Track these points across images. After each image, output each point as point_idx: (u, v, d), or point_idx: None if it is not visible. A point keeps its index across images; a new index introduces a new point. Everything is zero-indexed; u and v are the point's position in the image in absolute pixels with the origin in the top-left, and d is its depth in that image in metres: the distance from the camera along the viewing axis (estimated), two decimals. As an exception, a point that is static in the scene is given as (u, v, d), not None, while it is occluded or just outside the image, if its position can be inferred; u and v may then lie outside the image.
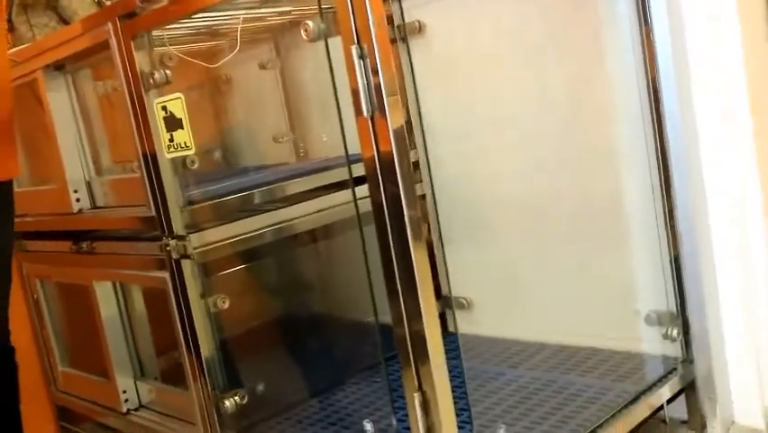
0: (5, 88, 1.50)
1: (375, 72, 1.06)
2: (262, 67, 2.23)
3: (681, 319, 1.61)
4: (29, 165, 2.10)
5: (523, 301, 1.91)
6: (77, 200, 1.87)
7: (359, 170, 1.21)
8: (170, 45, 1.62)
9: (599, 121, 1.66)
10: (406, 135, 1.16)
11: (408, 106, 1.99)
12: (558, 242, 1.80)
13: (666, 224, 1.59)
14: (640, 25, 1.52)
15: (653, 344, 1.66)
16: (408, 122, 2.00)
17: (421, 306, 1.11)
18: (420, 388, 1.14)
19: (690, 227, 1.55)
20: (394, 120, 1.07)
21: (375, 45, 1.05)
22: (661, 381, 1.59)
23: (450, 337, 2.02)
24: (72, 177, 1.87)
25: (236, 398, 1.60)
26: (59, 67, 1.85)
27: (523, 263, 1.88)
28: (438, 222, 2.04)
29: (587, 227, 1.74)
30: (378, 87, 1.06)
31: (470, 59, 1.86)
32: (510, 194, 1.87)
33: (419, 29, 1.93)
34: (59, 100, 1.85)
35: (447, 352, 1.90)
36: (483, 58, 1.84)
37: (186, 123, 1.42)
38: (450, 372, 1.46)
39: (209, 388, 1.59)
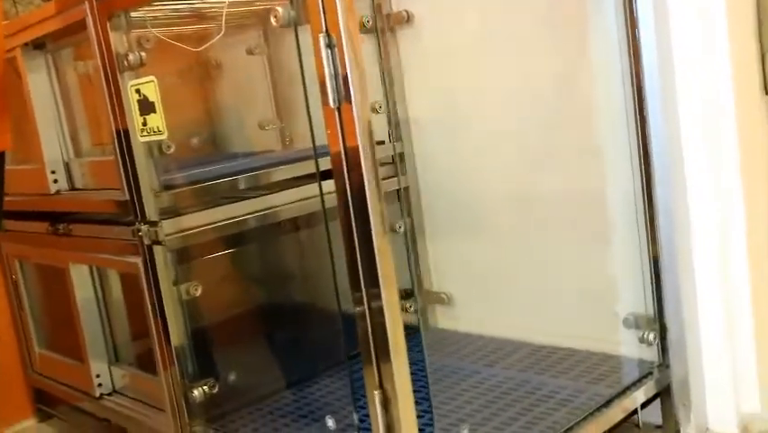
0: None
1: (343, 62, 1.03)
2: (250, 52, 2.20)
3: (658, 324, 1.59)
4: (15, 143, 2.07)
5: (504, 298, 1.89)
6: (55, 181, 1.85)
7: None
8: (154, 27, 1.59)
9: (584, 117, 1.64)
10: (373, 129, 1.13)
11: (395, 97, 1.97)
12: (541, 239, 1.78)
13: (647, 225, 1.57)
14: (626, 21, 1.49)
15: (631, 347, 1.63)
16: (394, 113, 1.98)
17: (383, 302, 1.08)
18: (381, 386, 1.11)
19: (670, 229, 1.52)
20: (361, 112, 1.04)
21: (343, 34, 1.02)
22: (636, 384, 1.57)
23: (431, 333, 2.02)
24: (50, 157, 1.84)
25: (205, 387, 1.58)
26: (38, 45, 1.82)
27: (505, 260, 1.86)
28: (422, 216, 2.02)
29: (569, 225, 1.72)
30: (345, 77, 1.03)
31: (457, 50, 1.84)
32: (494, 188, 1.84)
33: (407, 18, 1.90)
34: (38, 79, 1.82)
35: (429, 347, 1.89)
36: (470, 49, 1.81)
37: (158, 107, 1.40)
38: (422, 370, 1.45)
39: (178, 376, 1.58)
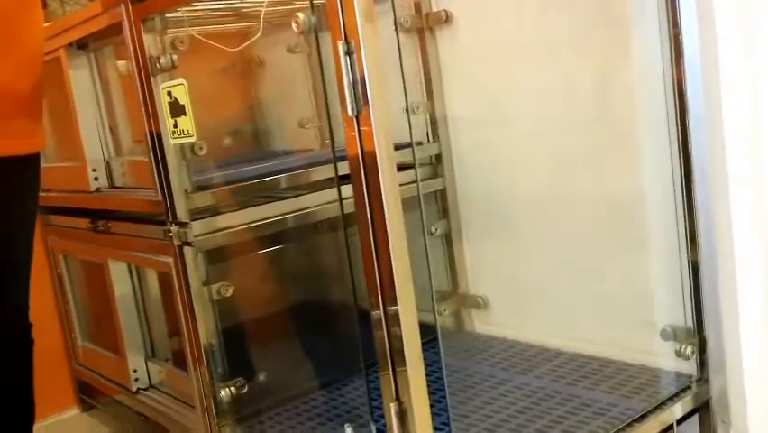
0: (36, 59, 1.47)
1: (362, 70, 1.01)
2: (290, 51, 2.20)
3: (697, 336, 1.53)
4: (56, 141, 2.12)
5: (540, 303, 1.85)
6: (95, 179, 1.88)
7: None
8: (191, 26, 1.60)
9: (622, 120, 1.59)
10: (409, 131, 1.12)
11: (433, 98, 1.95)
12: (578, 243, 1.73)
13: (686, 231, 1.51)
14: (668, 24, 1.43)
15: (668, 359, 1.58)
16: (432, 113, 1.96)
17: (400, 311, 1.06)
18: (397, 397, 1.10)
19: (710, 236, 1.47)
20: (380, 120, 1.02)
21: (362, 42, 1.00)
22: (672, 399, 1.52)
23: (466, 337, 2.00)
24: (91, 155, 1.88)
25: (233, 388, 1.59)
26: (82, 45, 1.85)
27: (542, 264, 1.82)
28: (459, 218, 1.99)
29: (607, 229, 1.67)
30: (363, 85, 1.02)
31: (495, 49, 1.80)
32: (532, 191, 1.80)
33: (446, 18, 1.87)
34: (80, 78, 1.85)
35: (458, 353, 1.87)
36: (509, 49, 1.77)
37: (188, 109, 1.41)
38: (441, 379, 1.43)
39: (208, 375, 1.59)
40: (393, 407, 1.10)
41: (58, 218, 2.14)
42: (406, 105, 1.08)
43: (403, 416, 1.10)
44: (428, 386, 1.14)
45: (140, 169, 1.76)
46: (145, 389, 1.95)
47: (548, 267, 1.81)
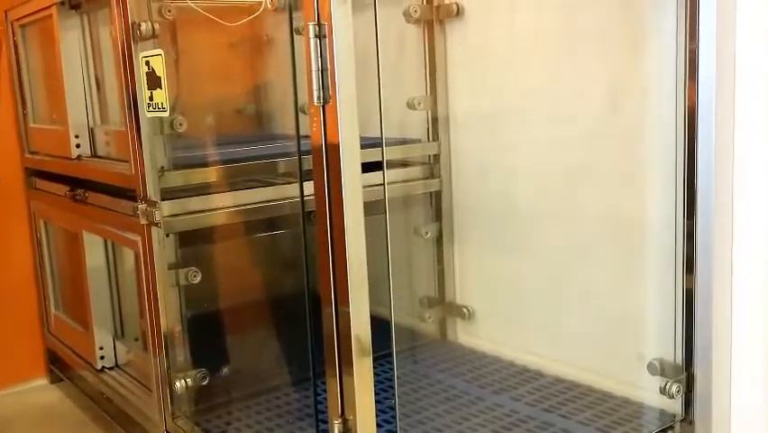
0: None
1: (332, 56, 0.92)
2: (298, 32, 2.11)
3: (684, 374, 1.43)
4: (45, 102, 2.05)
5: (527, 320, 1.76)
6: (77, 146, 1.81)
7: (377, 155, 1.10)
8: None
9: (629, 133, 1.49)
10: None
11: (437, 94, 1.85)
12: (572, 261, 1.64)
13: (684, 259, 1.41)
14: (686, 32, 1.33)
15: (653, 394, 1.48)
16: (434, 110, 1.87)
17: (351, 320, 0.98)
18: (342, 414, 1.01)
19: (708, 268, 1.36)
20: (346, 112, 0.93)
21: (335, 25, 0.91)
22: (653, 438, 1.42)
23: (448, 347, 1.91)
24: (75, 121, 1.80)
25: (190, 379, 1.51)
26: (75, 5, 1.77)
27: (532, 279, 1.73)
28: (452, 222, 1.90)
29: (603, 249, 1.57)
30: (332, 74, 0.93)
31: (506, 50, 1.71)
32: (529, 202, 1.71)
33: (457, 11, 1.78)
34: (70, 40, 1.78)
35: (436, 364, 1.79)
36: (520, 50, 1.68)
37: (164, 82, 1.32)
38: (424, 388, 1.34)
39: (166, 362, 1.51)
40: (337, 425, 1.01)
41: (42, 182, 2.07)
42: (380, 100, 0.98)
43: (347, 435, 1.02)
44: (381, 402, 1.06)
45: (119, 139, 1.68)
46: (111, 368, 1.88)
47: (539, 283, 1.71)
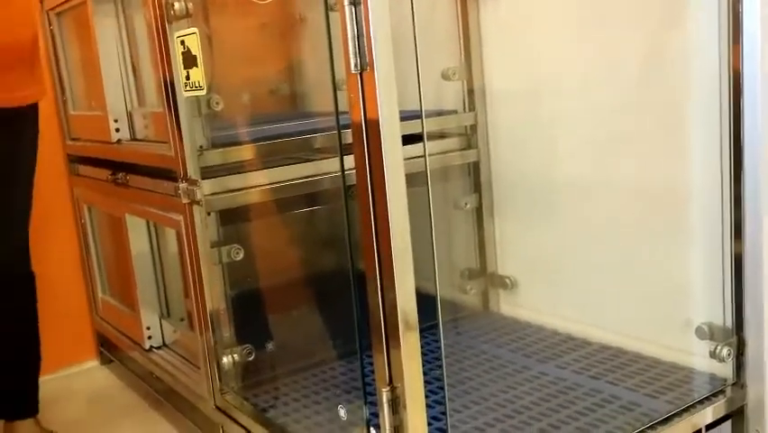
0: (29, 12, 1.46)
1: (367, 22, 0.92)
2: (331, 9, 2.10)
3: (735, 337, 1.40)
4: (84, 89, 2.08)
5: (571, 289, 1.74)
6: (117, 130, 1.83)
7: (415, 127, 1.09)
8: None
9: (670, 100, 1.45)
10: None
11: (472, 64, 1.84)
12: (614, 229, 1.61)
13: (732, 224, 1.38)
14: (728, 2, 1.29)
15: (702, 359, 1.46)
16: (470, 80, 1.85)
17: (397, 291, 0.98)
18: (390, 382, 1.01)
19: (757, 231, 1.33)
20: (384, 80, 0.92)
21: (369, -10, 0.91)
22: (703, 402, 1.40)
23: (490, 318, 1.90)
24: (113, 106, 1.83)
25: (237, 355, 1.53)
26: (109, -9, 1.79)
27: (575, 248, 1.71)
28: (491, 193, 1.89)
29: (647, 216, 1.55)
30: (369, 40, 0.92)
31: (542, 18, 1.68)
32: (569, 170, 1.69)
33: (491, -20, 1.75)
34: (105, 26, 1.79)
35: (479, 335, 1.78)
36: (556, 18, 1.65)
37: (200, 61, 1.33)
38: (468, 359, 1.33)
39: (213, 339, 1.53)
40: (385, 393, 1.02)
41: (84, 168, 2.11)
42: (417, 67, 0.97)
43: (396, 403, 1.02)
44: (428, 373, 1.06)
45: (157, 121, 1.70)
46: (158, 347, 1.92)
47: (582, 252, 1.69)
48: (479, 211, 1.90)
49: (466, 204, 1.88)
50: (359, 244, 1.12)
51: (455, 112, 1.87)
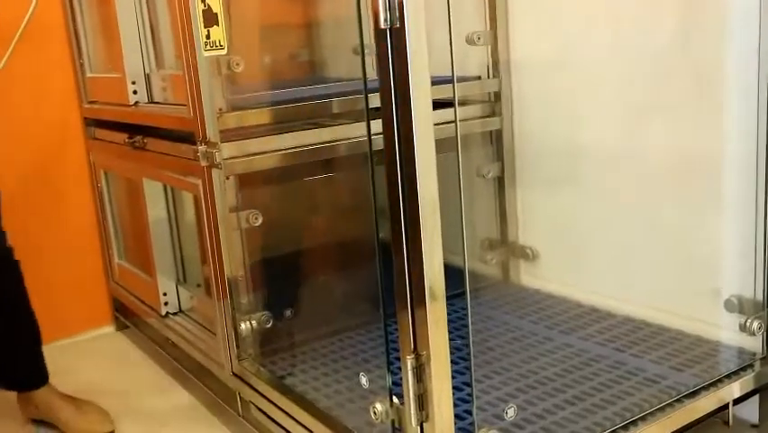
0: None
1: (399, -26, 0.88)
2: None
3: (766, 310, 1.37)
4: (102, 50, 2.05)
5: (594, 260, 1.71)
6: (134, 92, 1.80)
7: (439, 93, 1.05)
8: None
9: (705, 68, 1.40)
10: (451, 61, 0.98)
11: (497, 29, 1.79)
12: (641, 198, 1.58)
13: (766, 195, 1.34)
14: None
15: (731, 332, 1.43)
16: (494, 46, 1.80)
17: (424, 258, 0.95)
18: (415, 350, 0.99)
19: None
20: (416, 37, 0.88)
21: (400, -58, 0.86)
22: (731, 376, 1.37)
23: (511, 289, 1.87)
24: (131, 68, 1.79)
25: (255, 321, 1.51)
26: (127, -51, 1.75)
27: (600, 218, 1.67)
28: (513, 162, 1.85)
29: (674, 186, 1.51)
30: (400, -7, 0.88)
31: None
32: (594, 139, 1.65)
33: (518, -60, 1.70)
34: (123, -15, 1.75)
35: (501, 306, 1.75)
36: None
37: (221, 19, 1.29)
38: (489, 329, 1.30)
39: (231, 305, 1.51)
40: (410, 360, 0.99)
41: (100, 132, 2.08)
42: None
43: (420, 371, 0.99)
44: (452, 341, 1.03)
45: (176, 83, 1.66)
46: (175, 313, 1.90)
47: (606, 222, 1.66)
48: (500, 180, 1.87)
49: (488, 172, 1.85)
50: (382, 212, 1.10)
51: (479, 78, 1.82)
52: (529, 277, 1.88)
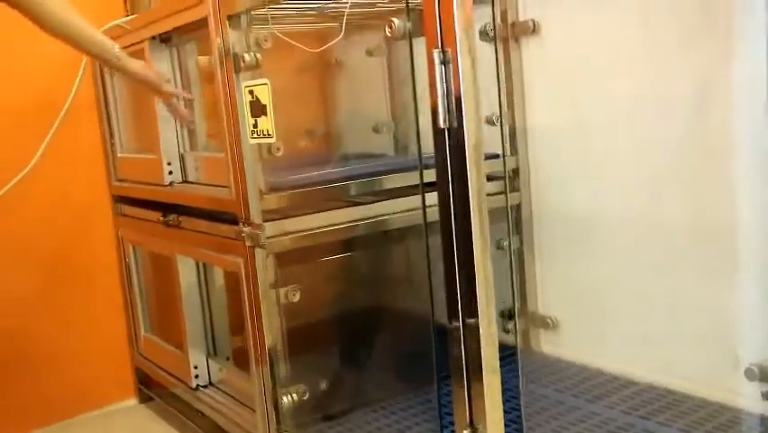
0: None
1: (457, 81, 0.97)
2: (369, 54, 2.17)
3: (787, 380, 1.44)
4: (133, 131, 2.14)
5: (614, 328, 1.77)
6: (170, 173, 1.88)
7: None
8: (274, 24, 1.58)
9: (719, 138, 1.49)
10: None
11: (514, 109, 1.89)
12: (659, 266, 1.64)
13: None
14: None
15: (752, 400, 1.49)
16: (512, 125, 1.90)
17: (481, 335, 1.02)
18: (471, 424, 1.05)
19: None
20: (472, 135, 0.97)
21: (459, 51, 0.96)
22: (754, 443, 1.43)
23: (533, 358, 1.93)
24: (167, 149, 1.88)
25: (295, 394, 1.56)
26: (165, 39, 1.85)
27: (619, 286, 1.74)
28: (532, 233, 1.93)
29: (693, 254, 1.57)
30: (458, 98, 0.97)
31: (584, 61, 1.73)
32: (612, 209, 1.73)
33: (533, 29, 1.81)
34: (161, 71, 1.85)
35: (524, 375, 1.81)
36: (599, 62, 1.70)
37: (269, 110, 1.38)
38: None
39: (270, 380, 1.56)
40: (466, 433, 1.05)
41: (130, 209, 2.15)
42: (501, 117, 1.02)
43: (476, 444, 1.05)
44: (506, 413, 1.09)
45: (214, 165, 1.75)
46: (205, 386, 1.94)
47: (625, 290, 1.73)
48: (520, 252, 1.94)
49: (508, 245, 1.92)
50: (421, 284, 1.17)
51: (497, 156, 1.92)
52: (549, 346, 1.94)
